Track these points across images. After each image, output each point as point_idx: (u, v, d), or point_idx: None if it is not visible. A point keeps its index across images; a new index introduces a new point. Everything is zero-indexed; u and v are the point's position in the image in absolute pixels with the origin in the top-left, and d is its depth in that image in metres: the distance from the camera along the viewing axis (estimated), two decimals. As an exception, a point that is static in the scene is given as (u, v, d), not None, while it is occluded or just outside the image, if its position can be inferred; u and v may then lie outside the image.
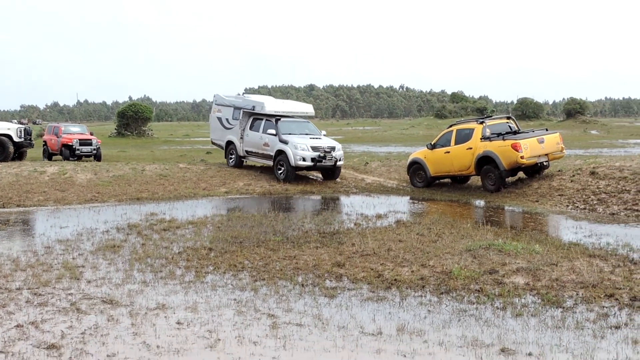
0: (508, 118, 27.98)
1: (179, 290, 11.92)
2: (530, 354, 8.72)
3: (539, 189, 24.05)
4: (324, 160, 28.73)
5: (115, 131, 73.29)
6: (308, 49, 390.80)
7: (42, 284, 12.19)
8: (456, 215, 20.59)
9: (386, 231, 16.96)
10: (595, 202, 21.70)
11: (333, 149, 29.20)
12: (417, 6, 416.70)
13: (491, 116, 30.47)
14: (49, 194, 24.46)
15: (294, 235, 16.68)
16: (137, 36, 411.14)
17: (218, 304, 11.08)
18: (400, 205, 22.81)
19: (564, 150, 26.55)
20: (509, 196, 24.06)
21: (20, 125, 36.81)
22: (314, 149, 28.67)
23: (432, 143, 27.75)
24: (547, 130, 27.69)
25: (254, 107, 31.24)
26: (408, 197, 25.29)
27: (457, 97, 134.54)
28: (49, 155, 42.01)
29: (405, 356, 8.73)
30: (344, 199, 24.66)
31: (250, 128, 31.28)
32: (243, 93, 35.72)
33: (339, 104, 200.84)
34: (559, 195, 23.00)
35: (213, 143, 35.13)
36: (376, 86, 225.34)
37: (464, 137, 26.21)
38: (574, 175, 24.24)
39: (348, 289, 11.90)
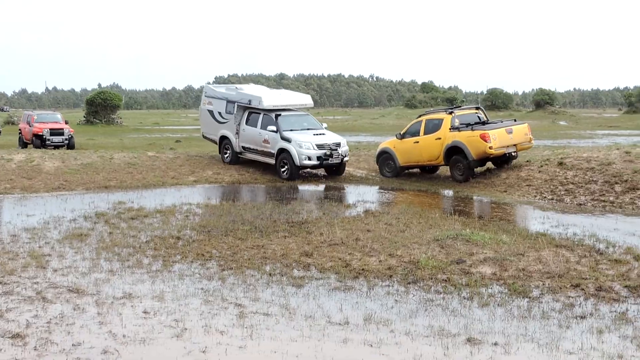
0: (477, 108, 28.04)
1: (146, 279, 11.88)
2: (496, 344, 8.78)
3: (507, 179, 24.15)
4: (330, 159, 27.05)
5: (84, 119, 72.76)
6: (278, 38, 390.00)
7: (8, 273, 12.12)
8: (424, 205, 20.64)
9: (354, 221, 16.98)
10: (562, 192, 21.83)
11: (339, 145, 27.46)
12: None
13: (460, 106, 30.50)
14: (16, 182, 24.25)
15: (263, 224, 16.65)
16: (107, 23, 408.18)
17: (185, 293, 11.06)
18: (369, 195, 22.82)
19: (533, 141, 26.67)
20: (478, 186, 24.14)
21: None
22: (320, 146, 26.88)
23: (401, 133, 27.74)
24: (515, 120, 27.79)
25: (250, 101, 28.97)
26: (377, 187, 25.29)
27: (427, 87, 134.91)
28: (23, 144, 41.49)
29: (371, 346, 8.76)
30: (312, 189, 24.64)
31: (247, 123, 29.08)
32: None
33: (309, 93, 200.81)
34: (527, 185, 23.10)
35: (205, 137, 32.54)
36: (346, 75, 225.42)
37: (433, 127, 26.23)
38: (542, 166, 24.36)
39: (316, 279, 11.92)
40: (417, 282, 11.62)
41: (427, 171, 27.94)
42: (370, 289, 11.29)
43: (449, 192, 23.67)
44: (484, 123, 26.40)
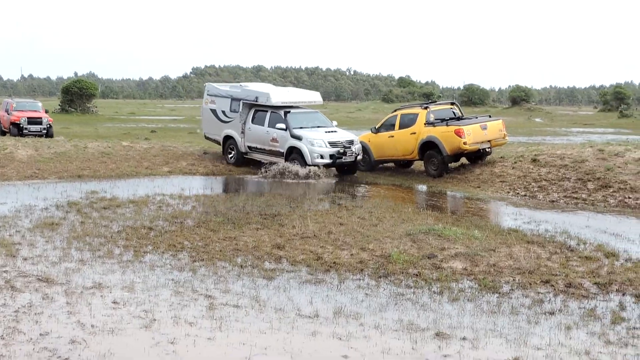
0: (452, 104, 28.09)
1: (117, 269, 11.83)
2: (464, 338, 8.81)
3: (480, 175, 24.23)
4: (344, 157, 25.67)
5: (59, 107, 72.23)
6: (256, 30, 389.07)
7: (-23, 261, 12.03)
8: (398, 199, 20.67)
9: (327, 214, 16.99)
10: (535, 189, 21.93)
11: (352, 142, 26.17)
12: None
13: (435, 102, 30.58)
14: (-12, 170, 24.08)
15: (235, 216, 16.62)
16: (84, 12, 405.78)
17: (155, 284, 11.02)
18: (343, 189, 22.82)
19: (507, 137, 26.78)
20: (451, 181, 24.20)
21: None
22: (332, 144, 25.56)
23: (377, 127, 27.77)
24: (490, 117, 27.92)
25: (256, 98, 27.49)
26: (351, 181, 25.31)
27: (404, 82, 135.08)
28: (1, 132, 41.07)
29: (340, 339, 8.76)
30: (287, 181, 24.60)
31: (253, 121, 27.69)
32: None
33: (286, 86, 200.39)
34: (501, 181, 23.19)
35: (207, 138, 30.77)
36: (324, 69, 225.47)
37: (408, 121, 26.27)
38: (515, 162, 24.45)
39: (287, 271, 11.92)
40: (388, 276, 11.64)
41: (402, 166, 27.97)
42: (341, 283, 11.30)
43: (422, 187, 23.73)
44: (458, 119, 26.51)
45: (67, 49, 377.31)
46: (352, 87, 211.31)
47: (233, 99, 28.61)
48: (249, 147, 27.87)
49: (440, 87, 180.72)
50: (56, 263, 12.07)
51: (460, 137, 24.34)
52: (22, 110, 40.44)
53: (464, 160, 26.41)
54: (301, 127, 26.30)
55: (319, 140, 25.53)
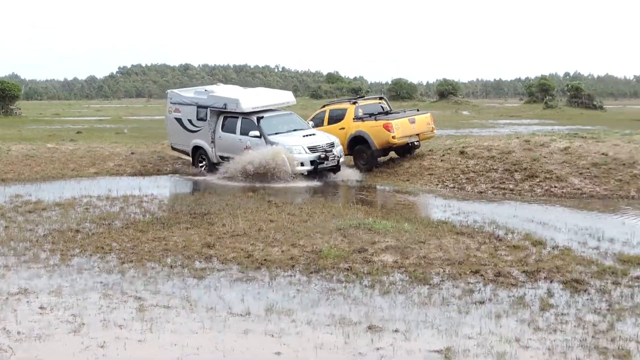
0: (380, 98, 28.22)
1: (43, 274, 11.63)
2: (396, 331, 8.85)
3: (409, 169, 24.38)
4: (325, 162, 23.71)
5: (-20, 110, 70.79)
6: (183, 27, 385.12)
7: None
8: (328, 195, 20.70)
9: (257, 211, 16.92)
10: (464, 180, 22.15)
11: (333, 145, 24.22)
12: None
13: (364, 97, 30.66)
14: None
15: (164, 216, 16.49)
16: (5, 11, 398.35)
17: (83, 287, 10.86)
18: (273, 185, 22.76)
19: (435, 131, 26.97)
20: (381, 175, 24.31)
21: None
22: (312, 149, 23.61)
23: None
24: (418, 110, 28.12)
25: (225, 105, 25.37)
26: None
27: (332, 78, 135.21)
28: None
29: (273, 336, 8.73)
30: (215, 180, 24.43)
31: (223, 129, 25.61)
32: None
33: (214, 83, 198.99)
34: (429, 174, 23.37)
35: (174, 149, 28.22)
36: (252, 66, 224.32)
37: (336, 117, 26.31)
38: (444, 155, 24.67)
39: (217, 270, 11.84)
40: (320, 272, 11.63)
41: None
42: (272, 279, 11.26)
43: (352, 182, 23.76)
44: (387, 113, 26.62)
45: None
46: (281, 83, 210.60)
47: (199, 106, 26.42)
48: (221, 157, 25.67)
49: (369, 82, 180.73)
50: (-20, 269, 11.81)
51: (389, 131, 24.45)
52: None
53: (393, 154, 26.54)
54: (276, 133, 24.43)
55: (298, 146, 23.59)
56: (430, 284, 10.91)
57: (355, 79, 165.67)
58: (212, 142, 25.92)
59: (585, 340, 8.43)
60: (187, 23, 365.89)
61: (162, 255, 12.76)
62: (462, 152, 24.34)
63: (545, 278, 11.16)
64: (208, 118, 26.00)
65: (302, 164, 23.40)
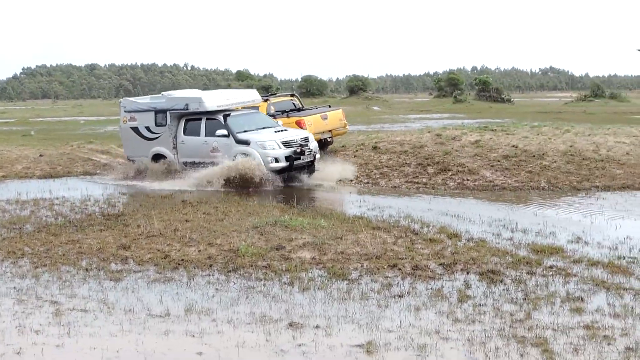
0: (292, 95, 28.27)
1: (-47, 281, 11.32)
2: (317, 327, 8.86)
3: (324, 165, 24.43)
4: (302, 157, 22.30)
5: None
6: (88, 26, 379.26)
7: None
8: (243, 193, 20.60)
9: (172, 211, 16.78)
10: (378, 175, 22.33)
11: (307, 140, 22.87)
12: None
13: (275, 94, 30.65)
14: None
15: (77, 218, 16.23)
16: None
17: (-4, 293, 10.61)
18: (186, 184, 22.58)
19: (347, 126, 27.12)
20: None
21: None
22: (286, 144, 22.10)
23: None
24: (330, 107, 28.22)
25: (186, 105, 23.67)
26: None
27: (242, 76, 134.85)
28: None
29: (193, 336, 8.67)
30: (129, 181, 24.13)
31: (185, 132, 23.80)
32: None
33: (122, 84, 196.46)
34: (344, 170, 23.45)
35: (131, 161, 25.91)
36: (160, 65, 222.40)
37: (249, 115, 26.18)
38: (357, 151, 24.83)
39: (134, 272, 11.70)
40: (238, 270, 11.58)
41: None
42: (190, 279, 11.18)
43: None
44: (299, 110, 26.68)
45: None
46: (190, 82, 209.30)
47: (157, 111, 24.55)
48: (185, 163, 23.79)
49: (279, 79, 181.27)
50: None
51: (301, 127, 24.46)
52: None
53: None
54: (245, 131, 22.85)
55: (271, 141, 22.11)
56: (349, 279, 10.95)
57: (265, 76, 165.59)
58: (174, 147, 24.11)
59: (503, 329, 8.57)
60: (92, 22, 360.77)
61: (76, 259, 12.54)
62: (375, 148, 24.54)
63: (461, 270, 11.31)
64: (168, 122, 24.15)
65: (276, 160, 21.93)
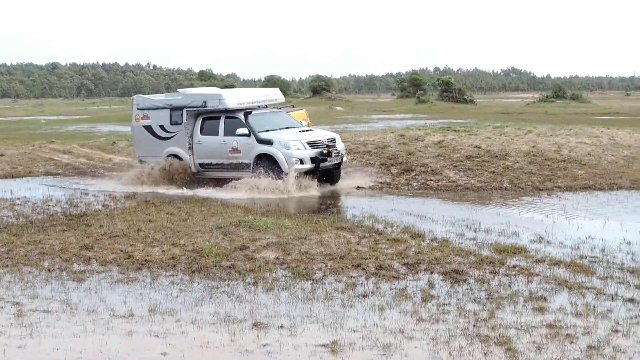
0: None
1: None
2: (282, 327, 8.85)
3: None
4: (329, 159, 20.82)
5: None
6: (49, 25, 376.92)
7: None
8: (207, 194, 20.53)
9: (135, 211, 16.70)
10: (341, 176, 22.33)
11: (334, 141, 21.49)
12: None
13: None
14: None
15: (39, 218, 16.10)
16: None
17: (-43, 295, 10.49)
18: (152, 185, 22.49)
19: (311, 126, 27.11)
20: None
21: None
22: (312, 144, 20.74)
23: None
24: (293, 107, 28.18)
25: (204, 102, 22.30)
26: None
27: (205, 75, 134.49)
28: None
29: (157, 336, 8.62)
30: (90, 180, 23.96)
31: (202, 132, 22.42)
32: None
33: (83, 83, 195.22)
34: (307, 170, 23.45)
35: (142, 162, 24.16)
36: (122, 64, 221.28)
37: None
38: (320, 151, 24.81)
39: (97, 272, 11.62)
40: (202, 270, 11.55)
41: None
42: (154, 280, 11.13)
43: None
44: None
45: None
46: (153, 82, 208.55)
47: (173, 109, 23.09)
48: (202, 165, 22.55)
49: (242, 80, 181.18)
50: None
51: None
52: None
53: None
54: (267, 130, 21.44)
55: (296, 141, 20.71)
56: (313, 279, 10.96)
57: (228, 76, 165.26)
58: (190, 148, 22.62)
59: (467, 329, 8.61)
60: (53, 20, 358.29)
61: (38, 259, 12.43)
62: (338, 148, 24.52)
63: (425, 270, 11.37)
64: (184, 121, 22.68)
65: (301, 162, 20.48)
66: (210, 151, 22.15)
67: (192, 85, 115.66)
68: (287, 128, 21.94)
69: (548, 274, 10.93)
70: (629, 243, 12.98)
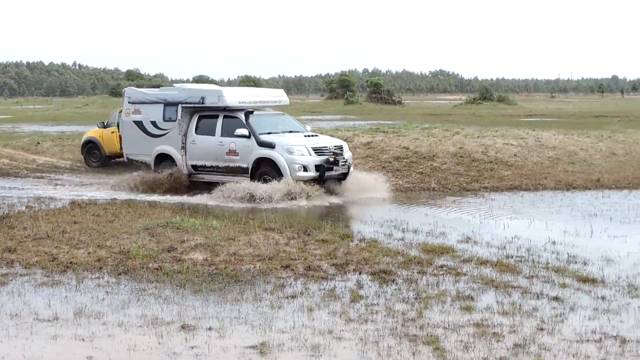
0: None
1: None
2: (210, 328, 8.78)
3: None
4: (335, 167, 19.32)
5: None
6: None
7: None
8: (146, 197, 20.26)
9: (60, 213, 16.42)
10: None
11: (341, 148, 20.04)
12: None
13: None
14: None
15: (-40, 221, 15.72)
16: None
17: None
18: (75, 186, 22.14)
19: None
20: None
21: None
22: (317, 151, 19.28)
23: (105, 122, 27.12)
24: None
25: (202, 99, 20.85)
26: (83, 178, 24.54)
27: (132, 75, 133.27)
28: None
29: (83, 340, 8.48)
30: (12, 182, 23.51)
31: (197, 131, 20.98)
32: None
33: (6, 82, 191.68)
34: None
35: (130, 160, 23.33)
36: (47, 63, 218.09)
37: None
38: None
39: (20, 275, 11.39)
40: (128, 272, 11.41)
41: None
42: (79, 282, 10.95)
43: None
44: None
45: None
46: (78, 81, 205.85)
47: (167, 104, 21.55)
48: (195, 167, 21.11)
49: (170, 79, 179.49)
50: None
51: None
52: None
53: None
54: (269, 133, 20.03)
55: (300, 146, 19.22)
56: (241, 281, 10.91)
57: (156, 76, 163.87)
58: (183, 147, 21.11)
59: (395, 328, 8.65)
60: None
61: (-41, 262, 12.15)
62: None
63: (354, 270, 11.42)
64: (179, 118, 21.16)
65: (305, 169, 19.03)
66: (206, 152, 20.73)
67: (118, 85, 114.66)
68: (291, 132, 20.59)
69: (475, 274, 11.06)
70: (553, 242, 13.24)
